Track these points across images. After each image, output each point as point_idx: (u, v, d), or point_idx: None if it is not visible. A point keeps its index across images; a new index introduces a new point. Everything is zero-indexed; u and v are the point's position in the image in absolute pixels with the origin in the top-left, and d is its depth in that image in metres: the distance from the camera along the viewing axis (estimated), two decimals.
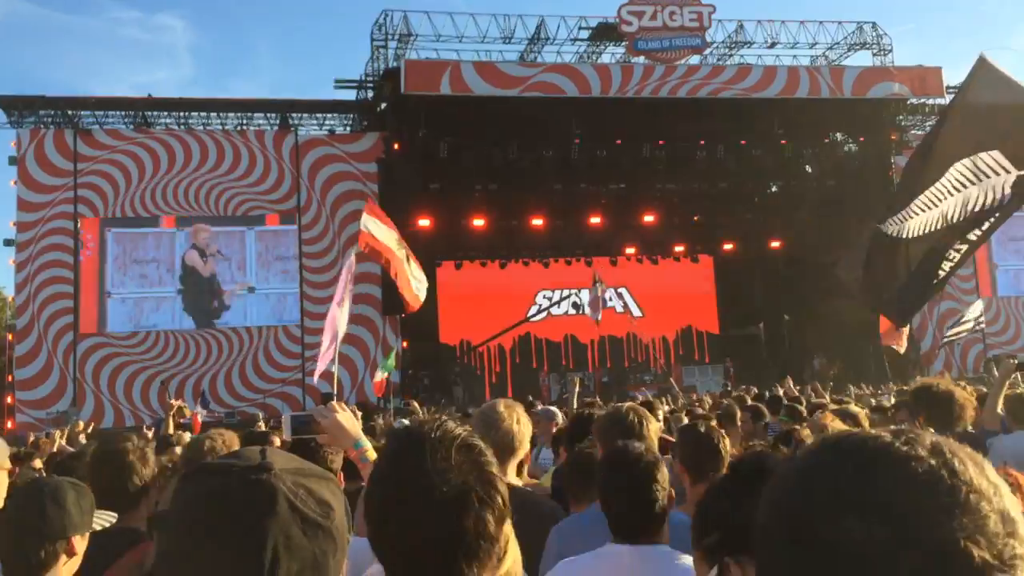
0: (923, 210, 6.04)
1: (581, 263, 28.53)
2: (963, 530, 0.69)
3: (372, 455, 2.26)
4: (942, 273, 6.05)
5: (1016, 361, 6.09)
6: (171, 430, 7.60)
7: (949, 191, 5.95)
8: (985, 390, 6.77)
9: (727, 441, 3.54)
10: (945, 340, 16.38)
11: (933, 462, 0.73)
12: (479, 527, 1.26)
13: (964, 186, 5.87)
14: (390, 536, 1.28)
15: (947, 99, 27.87)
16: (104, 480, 2.93)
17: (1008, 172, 5.77)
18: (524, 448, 2.94)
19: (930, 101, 28.14)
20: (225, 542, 0.92)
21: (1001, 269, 29.57)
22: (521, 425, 2.87)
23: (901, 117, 28.24)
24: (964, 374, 24.22)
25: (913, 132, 28.75)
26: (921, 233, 6.07)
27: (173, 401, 8.00)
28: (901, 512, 0.70)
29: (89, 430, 11.43)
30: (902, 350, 15.23)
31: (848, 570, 0.69)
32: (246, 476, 0.96)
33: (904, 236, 6.11)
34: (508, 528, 1.35)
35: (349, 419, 2.35)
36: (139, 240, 24.24)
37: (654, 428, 3.58)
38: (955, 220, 5.88)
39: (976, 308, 16.26)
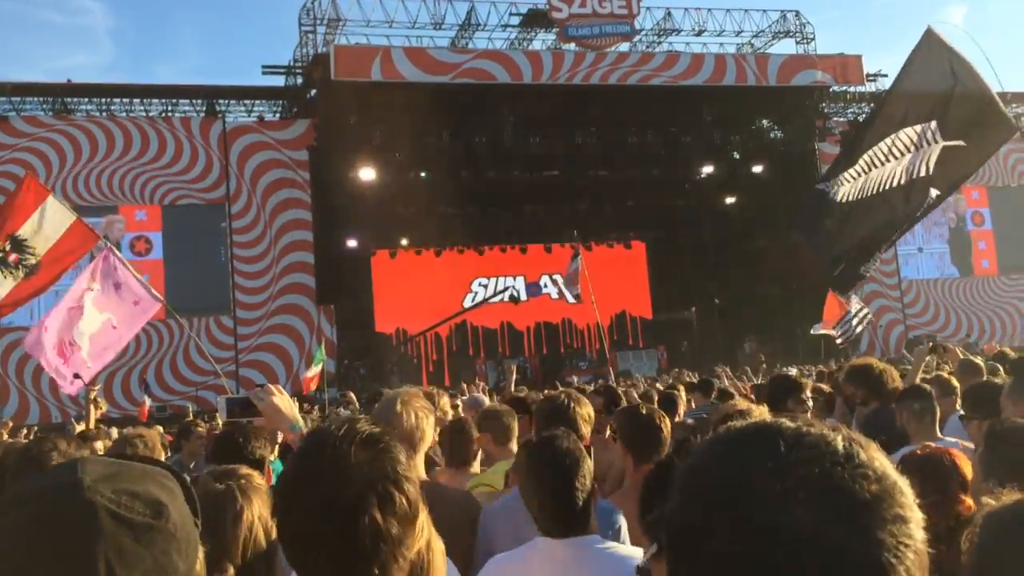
0: (859, 175, 6.28)
1: (516, 250, 28.64)
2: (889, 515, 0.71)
3: None
4: (894, 237, 6.30)
5: (931, 343, 6.36)
6: (91, 424, 7.41)
7: (887, 157, 6.21)
8: (906, 370, 7.06)
9: (667, 423, 3.57)
10: (838, 339, 16.90)
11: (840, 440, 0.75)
12: (376, 528, 1.23)
13: (903, 153, 6.15)
14: (291, 539, 1.27)
15: (867, 87, 28.77)
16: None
17: (936, 142, 6.09)
18: (427, 441, 2.92)
19: (851, 89, 28.97)
20: (53, 573, 0.86)
21: (926, 253, 30.59)
22: (420, 419, 2.84)
23: (824, 104, 28.99)
24: (887, 354, 25.08)
25: (835, 119, 29.56)
26: (857, 197, 6.31)
27: (92, 393, 7.68)
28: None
29: (7, 428, 11.08)
30: (838, 339, 15.71)
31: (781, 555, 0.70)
32: (60, 498, 0.90)
33: (840, 199, 6.34)
34: (424, 529, 1.33)
35: (286, 402, 2.34)
36: None
37: (583, 412, 3.60)
38: (895, 185, 6.15)
39: (855, 303, 16.86)
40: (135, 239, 24.16)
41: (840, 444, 0.75)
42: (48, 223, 7.29)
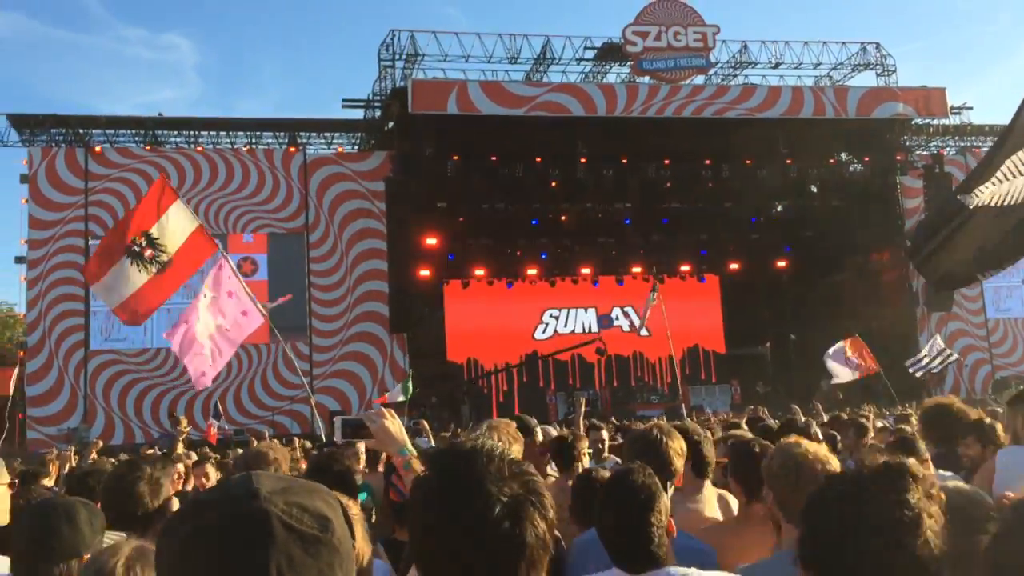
0: (1000, 182, 6.12)
1: (587, 282, 28.63)
2: None
3: (417, 465, 2.31)
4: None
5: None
6: (180, 450, 7.64)
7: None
8: (995, 411, 6.81)
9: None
10: (915, 370, 16.45)
11: None
12: (538, 534, 1.28)
13: None
14: (447, 553, 1.29)
15: (951, 120, 28.05)
16: (115, 505, 2.98)
17: None
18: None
19: (934, 121, 28.28)
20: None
21: (1005, 290, 29.50)
22: (509, 445, 2.89)
23: (906, 137, 28.35)
24: (972, 395, 24.18)
25: (918, 152, 28.86)
26: (994, 203, 6.13)
27: (183, 425, 7.93)
28: None
29: (98, 448, 11.47)
30: (917, 373, 15.26)
31: None
32: (237, 507, 0.96)
33: (974, 205, 6.16)
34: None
35: (397, 426, 2.42)
36: None
37: (676, 447, 3.52)
38: None
39: (937, 343, 16.34)
40: (241, 260, 24.97)
41: None
42: (176, 225, 7.64)
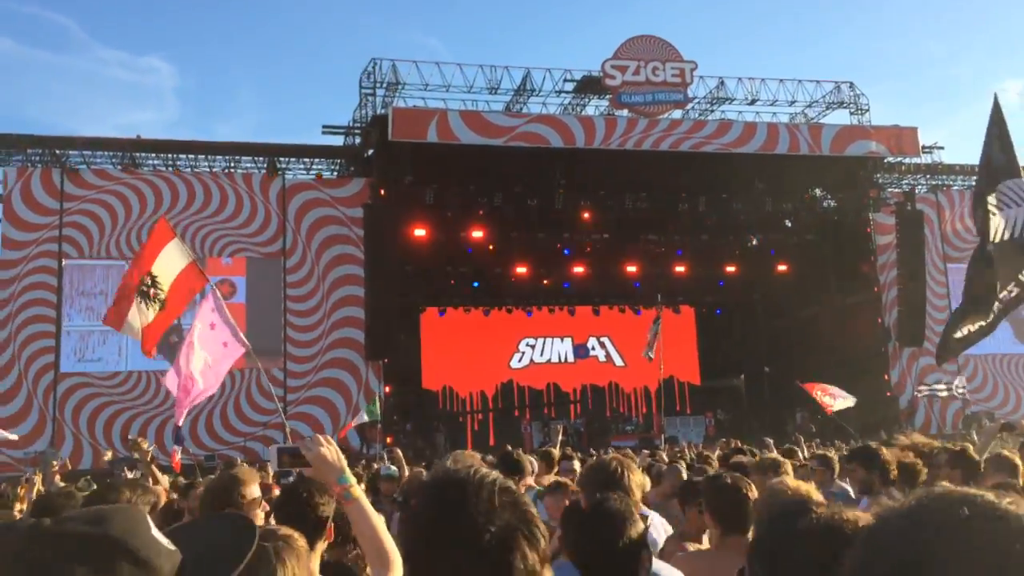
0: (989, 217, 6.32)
1: (564, 311, 28.74)
2: None
3: (357, 492, 2.29)
4: (996, 309, 6.29)
5: (1002, 421, 6.29)
6: (153, 475, 7.57)
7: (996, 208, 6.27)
8: (960, 446, 6.93)
9: (754, 492, 3.46)
10: (922, 392, 16.83)
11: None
12: (527, 566, 1.28)
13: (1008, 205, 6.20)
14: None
15: (922, 159, 28.58)
16: None
17: None
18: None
19: (906, 160, 28.80)
20: None
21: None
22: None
23: (878, 175, 28.82)
24: (943, 430, 24.44)
25: (890, 189, 29.34)
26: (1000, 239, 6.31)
27: (144, 446, 7.88)
28: (1015, 569, 0.73)
29: (62, 469, 11.32)
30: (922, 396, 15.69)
31: None
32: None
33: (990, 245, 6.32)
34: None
35: (334, 453, 2.35)
36: (89, 272, 24.01)
37: (636, 480, 3.56)
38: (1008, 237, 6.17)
39: (960, 381, 16.83)
40: (219, 282, 24.80)
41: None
42: (171, 262, 7.92)
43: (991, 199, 6.34)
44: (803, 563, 1.45)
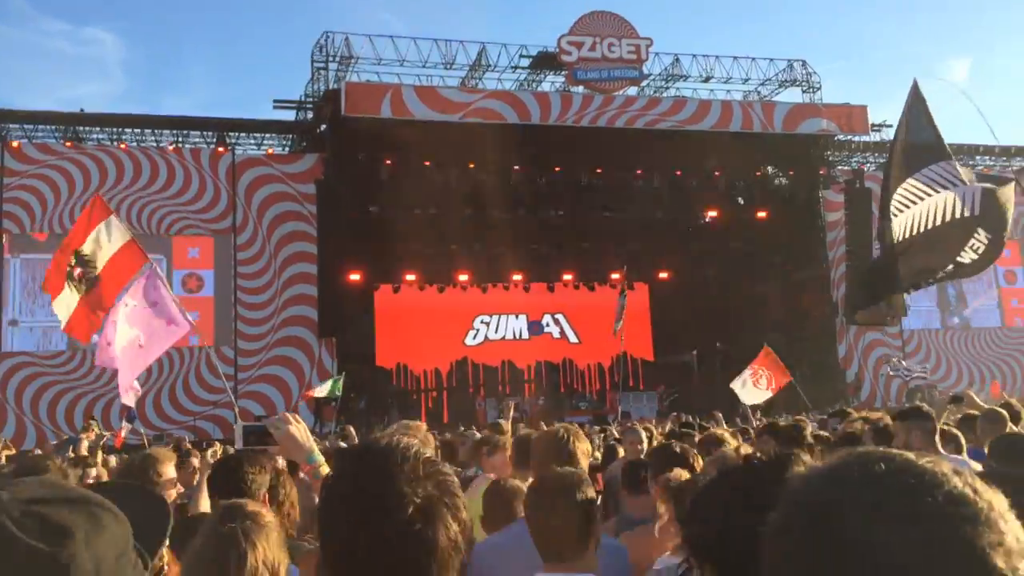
0: (901, 210, 6.47)
1: (519, 288, 28.71)
2: (987, 541, 0.75)
3: (326, 470, 2.24)
4: (963, 259, 6.46)
5: (952, 394, 6.44)
6: (85, 451, 7.43)
7: (921, 195, 6.42)
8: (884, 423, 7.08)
9: (700, 461, 3.56)
10: (892, 370, 17.50)
11: (957, 481, 0.80)
12: (450, 536, 1.26)
13: (936, 191, 6.36)
14: (357, 554, 1.25)
15: (871, 136, 29.01)
16: None
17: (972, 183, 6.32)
18: None
19: (856, 138, 29.21)
20: None
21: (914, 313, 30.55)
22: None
23: (829, 152, 29.20)
24: (887, 403, 25.00)
25: (840, 168, 29.75)
26: (908, 235, 6.49)
27: (96, 430, 7.73)
28: (926, 519, 0.76)
29: (9, 450, 11.04)
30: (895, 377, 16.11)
31: (870, 573, 0.75)
32: None
33: (897, 239, 6.51)
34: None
35: (303, 432, 2.32)
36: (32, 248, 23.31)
37: (583, 448, 3.59)
38: (943, 221, 6.35)
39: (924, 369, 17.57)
40: (187, 276, 24.44)
41: (936, 472, 0.81)
42: (107, 241, 7.55)
43: (914, 183, 6.46)
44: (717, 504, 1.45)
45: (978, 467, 3.73)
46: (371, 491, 1.27)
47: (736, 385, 15.56)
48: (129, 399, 7.64)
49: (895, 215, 6.49)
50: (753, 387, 15.44)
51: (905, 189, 6.46)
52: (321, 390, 18.03)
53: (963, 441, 4.99)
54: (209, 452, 5.71)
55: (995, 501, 0.79)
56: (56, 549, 0.85)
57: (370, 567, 1.24)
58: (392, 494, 1.25)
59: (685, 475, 3.30)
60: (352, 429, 13.61)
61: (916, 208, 6.43)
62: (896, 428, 4.40)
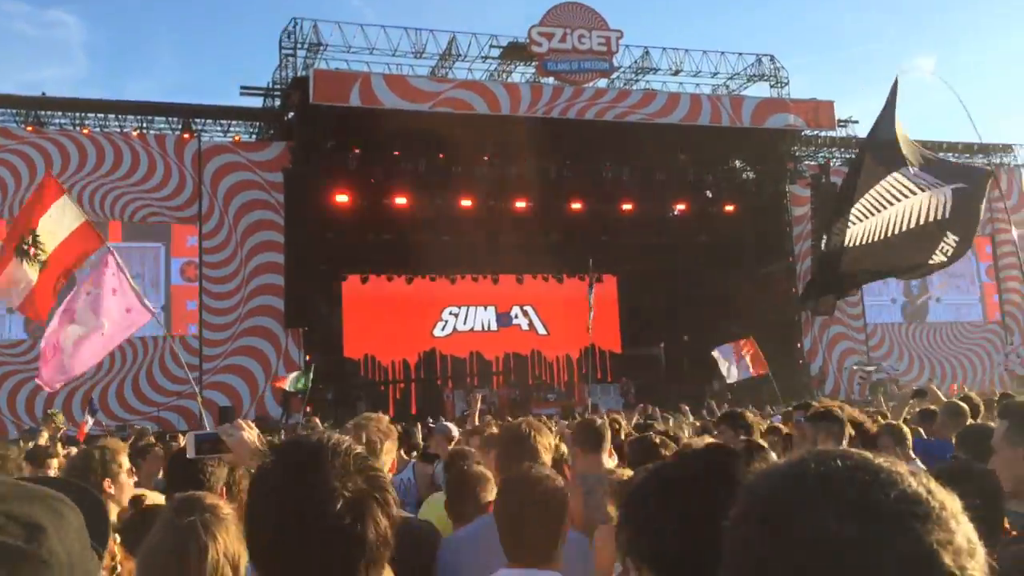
0: (863, 218, 6.51)
1: (487, 280, 28.69)
2: (936, 539, 0.77)
3: None
4: (933, 260, 6.51)
5: (916, 388, 6.56)
6: (44, 441, 7.31)
7: (890, 200, 6.44)
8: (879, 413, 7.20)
9: (671, 449, 3.55)
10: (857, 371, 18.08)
11: (912, 481, 0.82)
12: (379, 531, 1.25)
13: (904, 196, 6.38)
14: (286, 549, 1.23)
15: (838, 132, 29.32)
16: None
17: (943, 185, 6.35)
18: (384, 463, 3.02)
19: (823, 133, 29.49)
20: None
21: (876, 308, 31.03)
22: (375, 443, 2.93)
23: (795, 147, 29.47)
24: (851, 396, 25.33)
25: (806, 163, 30.03)
26: (866, 241, 6.52)
27: (59, 421, 7.59)
28: (878, 516, 0.78)
29: None
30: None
31: (820, 566, 0.76)
32: None
33: (849, 244, 6.54)
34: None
35: (255, 437, 2.29)
36: None
37: (545, 442, 3.56)
38: (910, 227, 6.38)
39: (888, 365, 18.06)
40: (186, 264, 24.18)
41: (882, 466, 0.84)
42: (58, 222, 7.32)
43: (892, 180, 6.47)
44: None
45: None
46: (300, 484, 1.25)
47: (717, 354, 15.84)
48: (53, 386, 7.46)
49: (853, 223, 6.50)
50: (735, 363, 15.71)
51: (876, 192, 6.46)
52: (290, 382, 17.90)
53: (907, 433, 5.13)
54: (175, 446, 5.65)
55: (948, 501, 0.81)
56: (33, 545, 0.85)
57: (298, 562, 1.22)
58: (321, 488, 1.24)
59: (627, 473, 3.29)
60: (318, 421, 13.54)
61: (885, 213, 6.45)
62: (807, 431, 4.49)
